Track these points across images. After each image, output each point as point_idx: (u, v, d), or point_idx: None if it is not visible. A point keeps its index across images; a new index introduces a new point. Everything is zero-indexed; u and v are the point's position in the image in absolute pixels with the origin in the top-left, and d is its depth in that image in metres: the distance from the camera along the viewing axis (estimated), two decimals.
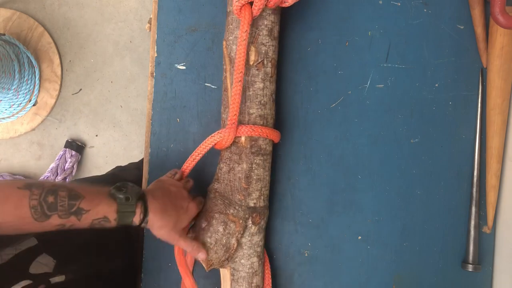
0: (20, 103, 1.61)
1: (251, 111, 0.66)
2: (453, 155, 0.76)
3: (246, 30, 0.61)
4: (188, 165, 0.70)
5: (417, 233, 0.76)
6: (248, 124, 0.66)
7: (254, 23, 0.65)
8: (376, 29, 0.75)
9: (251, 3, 0.62)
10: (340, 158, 0.75)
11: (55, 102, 1.71)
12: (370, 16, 0.75)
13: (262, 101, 0.67)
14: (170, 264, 0.76)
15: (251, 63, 0.65)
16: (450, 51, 0.75)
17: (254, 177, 0.67)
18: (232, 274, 0.69)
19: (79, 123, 1.73)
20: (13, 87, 1.54)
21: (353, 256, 0.75)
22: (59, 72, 1.70)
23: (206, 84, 0.76)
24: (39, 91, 1.67)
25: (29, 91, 1.61)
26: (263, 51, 0.66)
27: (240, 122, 0.66)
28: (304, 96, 0.75)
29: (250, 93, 0.66)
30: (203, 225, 0.67)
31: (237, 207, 0.67)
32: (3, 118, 1.64)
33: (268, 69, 0.67)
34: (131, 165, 1.08)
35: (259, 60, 0.65)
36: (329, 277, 0.76)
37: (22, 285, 0.54)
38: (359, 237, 0.75)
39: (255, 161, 0.67)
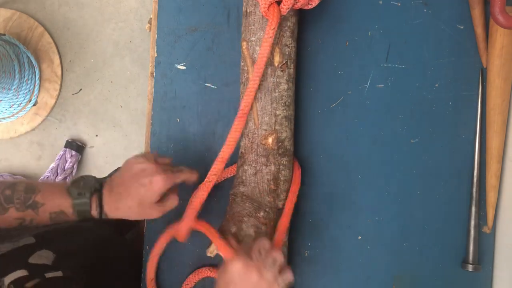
0: (20, 103, 1.61)
1: (277, 112, 0.66)
2: (453, 155, 0.76)
3: (274, 28, 0.61)
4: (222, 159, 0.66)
5: (417, 233, 0.76)
6: (275, 126, 0.66)
7: (279, 24, 0.64)
8: (376, 29, 0.75)
9: (277, 3, 0.62)
10: (340, 158, 0.75)
11: (55, 102, 1.71)
12: (370, 16, 0.75)
13: (287, 102, 0.67)
14: (170, 264, 0.76)
15: (276, 64, 0.65)
16: (450, 51, 0.75)
17: (281, 179, 0.67)
18: None
19: (79, 123, 1.73)
20: (13, 87, 1.54)
21: (353, 256, 0.75)
22: (59, 72, 1.70)
23: (206, 84, 0.76)
24: (39, 91, 1.67)
25: (29, 91, 1.62)
26: (287, 53, 0.66)
27: (267, 124, 0.66)
28: (304, 96, 0.75)
29: (276, 94, 0.66)
30: (233, 230, 0.66)
31: (267, 209, 0.66)
32: (3, 118, 1.64)
33: (291, 71, 0.67)
34: None
35: (284, 62, 0.65)
36: (329, 277, 0.76)
37: (18, 275, 0.53)
38: (359, 237, 0.75)
39: (282, 162, 0.67)
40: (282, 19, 0.64)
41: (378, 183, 0.75)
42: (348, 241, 0.75)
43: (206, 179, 0.66)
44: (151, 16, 0.81)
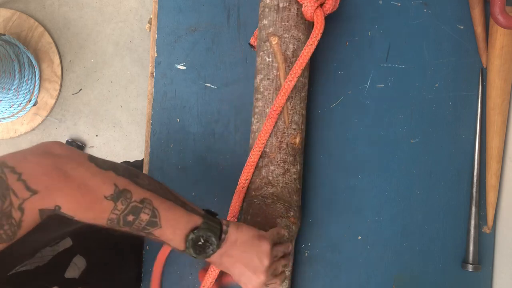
0: (20, 103, 1.61)
1: (304, 112, 0.67)
2: (453, 155, 0.76)
3: (321, 31, 0.62)
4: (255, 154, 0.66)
5: (417, 233, 0.76)
6: (302, 125, 0.66)
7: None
8: (376, 29, 0.75)
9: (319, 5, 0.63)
10: (340, 158, 0.75)
11: (55, 102, 1.71)
12: (370, 16, 0.75)
13: (307, 103, 0.68)
14: (170, 264, 0.76)
15: None
16: (450, 51, 0.75)
17: (301, 177, 0.68)
18: None
19: (79, 123, 1.73)
20: (13, 87, 1.54)
21: (353, 256, 0.75)
22: (59, 72, 1.70)
23: (206, 84, 0.76)
24: (39, 91, 1.67)
25: (29, 91, 1.62)
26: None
27: (296, 124, 0.66)
28: None
29: (303, 94, 0.67)
30: None
31: (295, 208, 0.66)
32: (3, 118, 1.64)
33: (309, 72, 0.68)
34: (138, 162, 1.08)
35: (308, 63, 0.66)
36: (329, 277, 0.76)
37: None
38: (359, 237, 0.75)
39: (302, 161, 0.68)
40: None
41: (378, 183, 0.75)
42: (348, 241, 0.75)
43: (239, 185, 0.66)
44: (151, 16, 0.81)
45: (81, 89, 1.73)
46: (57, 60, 1.69)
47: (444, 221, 0.76)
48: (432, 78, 0.75)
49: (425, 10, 0.75)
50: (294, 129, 0.65)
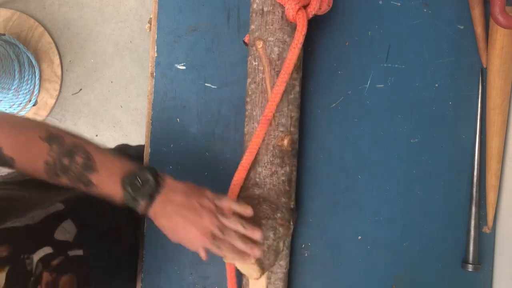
0: (20, 103, 1.61)
1: (292, 114, 0.67)
2: (453, 155, 0.76)
3: (304, 33, 0.61)
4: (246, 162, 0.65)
5: (417, 233, 0.76)
6: (290, 128, 0.66)
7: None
8: (376, 29, 0.75)
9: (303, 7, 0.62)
10: (340, 158, 0.75)
11: (55, 102, 1.71)
12: (370, 16, 0.75)
13: (298, 104, 0.68)
14: (170, 264, 0.76)
15: None
16: (450, 51, 0.75)
17: (293, 179, 0.68)
18: (268, 278, 0.68)
19: (79, 123, 1.73)
20: (13, 87, 1.55)
21: (353, 256, 0.75)
22: (59, 72, 1.70)
23: (206, 84, 0.76)
24: (39, 91, 1.68)
25: (29, 91, 1.62)
26: (300, 55, 0.66)
27: (283, 126, 0.66)
28: (304, 96, 0.75)
29: (292, 96, 0.66)
30: None
31: (284, 211, 0.66)
32: None
33: (301, 73, 0.68)
34: (124, 146, 1.09)
35: (298, 64, 0.66)
36: (329, 277, 0.76)
37: (45, 252, 0.55)
38: (359, 237, 0.75)
39: (293, 163, 0.68)
40: None
41: (378, 183, 0.75)
42: (348, 241, 0.75)
43: (230, 190, 0.66)
44: (151, 16, 0.81)
45: (81, 89, 1.73)
46: (57, 60, 1.69)
47: (444, 221, 0.76)
48: (432, 78, 0.75)
49: (425, 10, 0.75)
50: (282, 131, 0.66)
